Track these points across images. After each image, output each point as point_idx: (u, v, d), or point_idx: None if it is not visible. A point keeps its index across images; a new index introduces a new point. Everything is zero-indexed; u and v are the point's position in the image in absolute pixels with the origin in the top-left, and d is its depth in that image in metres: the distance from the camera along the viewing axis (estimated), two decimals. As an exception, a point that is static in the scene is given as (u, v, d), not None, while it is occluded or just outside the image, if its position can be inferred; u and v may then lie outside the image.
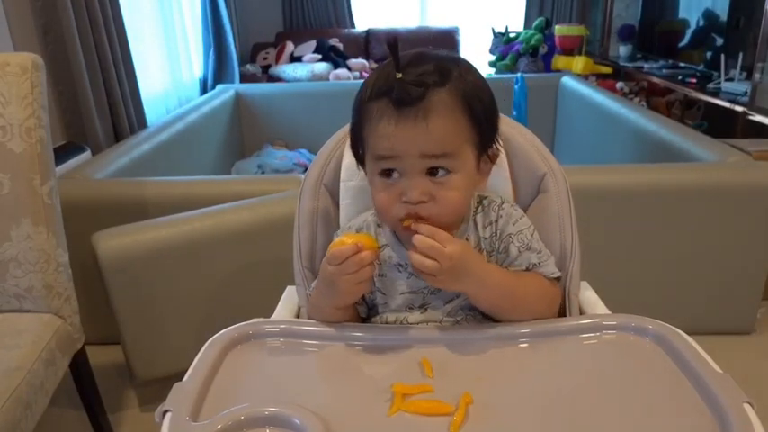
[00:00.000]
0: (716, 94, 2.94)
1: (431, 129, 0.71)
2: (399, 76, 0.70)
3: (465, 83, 0.74)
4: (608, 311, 0.86)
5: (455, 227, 0.81)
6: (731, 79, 2.94)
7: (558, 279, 0.83)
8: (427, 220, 0.74)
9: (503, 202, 0.84)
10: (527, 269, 0.80)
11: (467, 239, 0.81)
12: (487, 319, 0.82)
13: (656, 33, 4.05)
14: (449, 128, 0.72)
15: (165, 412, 0.61)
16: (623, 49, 4.30)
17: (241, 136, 3.52)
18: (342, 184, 0.94)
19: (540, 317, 0.79)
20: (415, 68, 0.72)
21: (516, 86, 2.84)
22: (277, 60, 4.41)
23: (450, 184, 0.74)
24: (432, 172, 0.73)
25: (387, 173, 0.75)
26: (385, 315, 0.84)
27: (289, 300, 0.97)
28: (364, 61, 4.41)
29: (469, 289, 0.75)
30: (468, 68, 0.77)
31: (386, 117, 0.72)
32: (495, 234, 0.81)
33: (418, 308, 0.83)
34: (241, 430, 0.59)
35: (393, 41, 0.72)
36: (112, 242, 1.39)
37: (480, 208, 0.83)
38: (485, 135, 0.77)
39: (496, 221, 0.82)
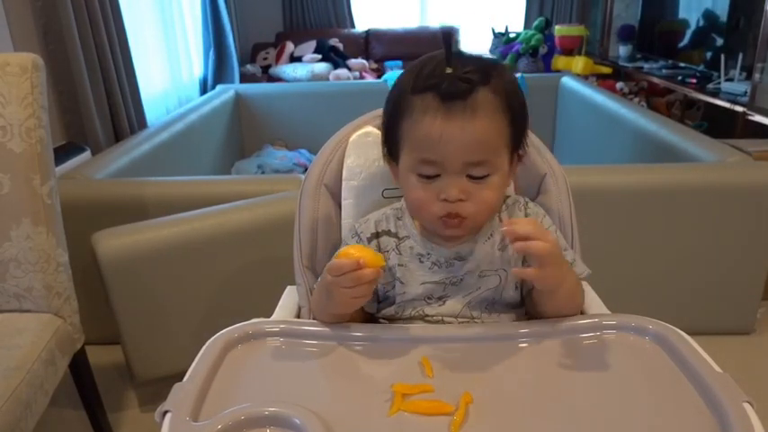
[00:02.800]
0: (716, 94, 2.94)
1: (475, 132, 0.72)
2: (450, 70, 0.72)
3: (504, 81, 0.75)
4: (608, 311, 0.86)
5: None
6: (731, 79, 2.94)
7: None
8: (466, 219, 0.75)
9: (527, 201, 0.85)
10: None
11: (491, 236, 0.82)
12: (504, 314, 0.82)
13: (656, 33, 4.05)
14: (492, 131, 0.73)
15: (165, 412, 0.61)
16: (623, 50, 4.30)
17: (241, 136, 3.52)
18: (344, 184, 0.94)
19: (575, 312, 0.79)
20: (461, 66, 0.73)
21: (516, 86, 2.83)
22: (277, 60, 4.41)
23: (488, 184, 0.75)
24: (471, 173, 0.75)
25: (427, 174, 0.75)
26: (402, 306, 0.84)
27: (289, 300, 0.97)
28: (364, 61, 4.41)
29: (565, 278, 0.74)
30: (505, 68, 0.79)
31: (431, 111, 0.72)
32: None
33: (437, 299, 0.83)
34: (241, 430, 0.59)
35: (448, 37, 0.74)
36: (112, 242, 1.39)
37: (504, 206, 0.84)
38: (518, 134, 0.78)
39: None
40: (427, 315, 0.82)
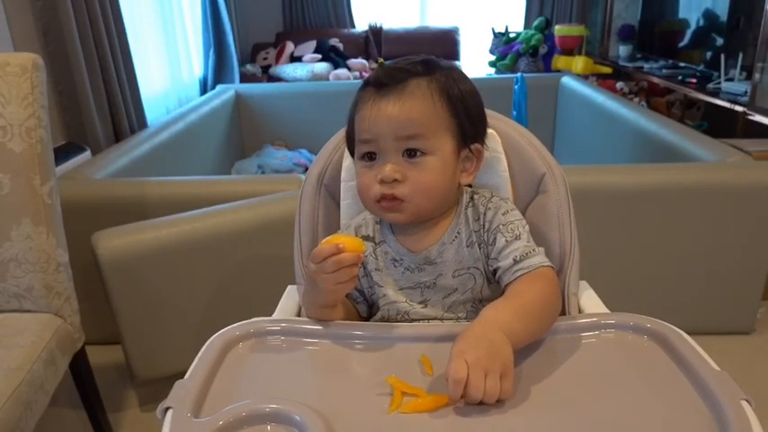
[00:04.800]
0: (716, 94, 2.95)
1: (404, 108, 0.75)
2: (381, 60, 0.75)
3: (448, 80, 0.79)
4: (607, 311, 0.86)
5: (434, 215, 0.82)
6: (731, 79, 2.95)
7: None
8: (403, 201, 0.77)
9: (492, 196, 0.85)
10: (515, 261, 0.78)
11: (458, 234, 0.82)
12: None
13: (656, 33, 4.06)
14: (423, 110, 0.76)
15: (166, 409, 0.61)
16: (623, 49, 4.30)
17: (241, 136, 3.52)
18: (342, 184, 0.94)
19: (558, 310, 0.77)
20: (405, 61, 0.79)
21: (516, 86, 2.84)
22: (277, 60, 4.41)
23: (425, 165, 0.77)
24: (408, 153, 0.77)
25: (368, 156, 0.79)
26: (386, 309, 0.85)
27: (289, 299, 0.97)
28: (364, 61, 4.41)
29: (515, 346, 0.67)
30: (460, 76, 0.81)
31: (369, 100, 0.77)
32: (483, 227, 0.82)
33: (418, 303, 0.83)
34: (242, 427, 0.59)
35: (377, 29, 0.76)
36: (112, 242, 1.39)
37: (471, 202, 0.84)
38: (466, 129, 0.80)
39: (484, 214, 0.82)
40: (413, 319, 0.83)
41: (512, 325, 0.68)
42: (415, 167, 0.77)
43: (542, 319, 0.73)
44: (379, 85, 0.77)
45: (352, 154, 0.86)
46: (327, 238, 0.74)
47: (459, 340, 0.65)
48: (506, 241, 0.80)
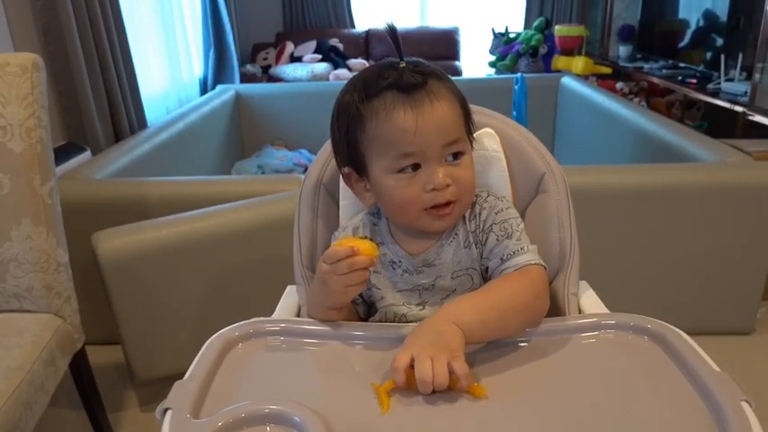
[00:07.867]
0: (716, 94, 2.95)
1: (445, 112, 0.74)
2: (404, 64, 0.74)
3: (441, 72, 0.78)
4: (607, 311, 0.86)
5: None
6: (731, 79, 2.95)
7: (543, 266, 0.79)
8: (455, 203, 0.77)
9: (488, 195, 0.84)
10: (501, 260, 0.78)
11: (456, 235, 0.82)
12: None
13: (656, 33, 4.06)
14: (455, 111, 0.76)
15: (165, 410, 0.61)
16: (623, 50, 4.30)
17: (241, 136, 3.52)
18: (341, 184, 0.94)
19: (536, 311, 0.76)
20: (387, 64, 0.76)
21: (516, 86, 2.84)
22: (277, 60, 4.41)
23: (465, 163, 0.78)
24: (454, 156, 0.77)
25: (412, 166, 0.76)
26: (384, 311, 0.84)
27: (289, 299, 0.97)
28: (364, 61, 4.42)
29: (470, 339, 0.68)
30: (443, 72, 0.81)
31: (398, 106, 0.73)
32: (479, 227, 0.82)
33: (416, 305, 0.83)
34: (242, 428, 0.59)
35: (393, 31, 0.75)
36: (112, 242, 1.39)
37: None
38: (468, 121, 0.81)
39: (479, 214, 0.82)
40: (410, 321, 0.82)
41: (465, 317, 0.69)
42: (457, 168, 0.76)
43: (509, 315, 0.72)
44: (409, 86, 0.73)
45: (348, 165, 0.82)
46: (340, 239, 0.74)
47: (409, 334, 0.68)
48: (497, 240, 0.80)
